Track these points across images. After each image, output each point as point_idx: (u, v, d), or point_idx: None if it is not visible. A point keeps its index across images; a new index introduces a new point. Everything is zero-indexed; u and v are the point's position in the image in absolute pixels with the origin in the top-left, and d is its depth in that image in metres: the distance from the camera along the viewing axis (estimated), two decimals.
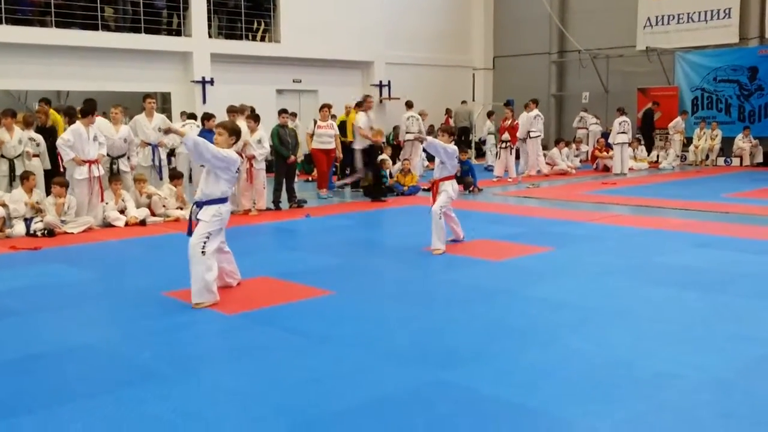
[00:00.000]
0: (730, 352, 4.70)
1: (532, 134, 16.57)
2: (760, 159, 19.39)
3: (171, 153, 12.42)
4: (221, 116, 12.57)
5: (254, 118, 11.48)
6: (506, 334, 5.17)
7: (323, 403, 3.95)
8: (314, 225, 10.38)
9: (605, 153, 18.56)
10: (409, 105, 16.91)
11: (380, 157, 15.13)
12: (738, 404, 3.90)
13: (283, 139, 11.89)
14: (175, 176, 11.29)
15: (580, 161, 19.62)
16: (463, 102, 22.14)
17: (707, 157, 19.82)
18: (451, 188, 8.33)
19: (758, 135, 19.45)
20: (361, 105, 15.96)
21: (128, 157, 10.92)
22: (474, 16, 24.52)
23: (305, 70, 19.57)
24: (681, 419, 3.75)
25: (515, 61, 24.25)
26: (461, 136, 21.01)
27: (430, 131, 18.59)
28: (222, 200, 6.08)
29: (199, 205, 6.08)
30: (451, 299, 6.17)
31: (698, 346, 4.83)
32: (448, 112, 20.48)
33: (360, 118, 13.32)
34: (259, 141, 11.38)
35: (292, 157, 11.97)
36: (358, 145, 13.36)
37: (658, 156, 19.88)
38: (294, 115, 16.91)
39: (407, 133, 16.52)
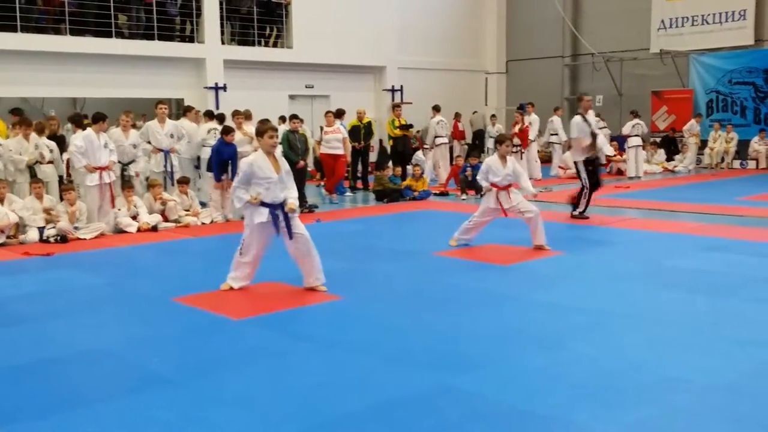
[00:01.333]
0: (739, 357, 4.66)
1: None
2: None
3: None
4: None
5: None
6: (515, 339, 5.15)
7: (330, 408, 3.95)
8: (324, 230, 10.38)
9: (619, 156, 18.47)
10: (436, 109, 16.82)
11: (390, 162, 15.16)
12: (747, 409, 3.87)
13: (292, 145, 11.92)
14: (181, 181, 11.36)
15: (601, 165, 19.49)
16: (475, 112, 22.08)
17: (722, 160, 19.67)
18: None
19: None
20: (399, 107, 15.90)
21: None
22: (486, 19, 24.47)
23: (317, 75, 19.62)
24: (690, 424, 3.72)
25: (528, 65, 24.19)
26: (475, 140, 21.00)
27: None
28: None
29: (281, 206, 6.36)
30: (461, 304, 6.16)
31: (707, 351, 4.80)
32: (457, 116, 20.43)
33: (575, 123, 10.66)
34: None
35: (302, 162, 12.01)
36: (578, 156, 10.68)
37: (674, 163, 19.70)
38: (301, 120, 16.92)
39: (437, 137, 16.49)
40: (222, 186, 11.00)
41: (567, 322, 5.54)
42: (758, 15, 19.71)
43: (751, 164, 19.39)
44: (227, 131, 11.12)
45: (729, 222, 10.30)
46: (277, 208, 6.36)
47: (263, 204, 6.36)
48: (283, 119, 16.36)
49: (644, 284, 6.68)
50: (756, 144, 19.27)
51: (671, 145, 20.43)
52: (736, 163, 19.62)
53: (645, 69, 21.66)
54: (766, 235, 9.10)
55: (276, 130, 6.58)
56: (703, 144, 19.87)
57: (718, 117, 20.26)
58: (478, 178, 8.73)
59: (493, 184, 8.45)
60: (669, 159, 19.95)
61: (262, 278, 6.92)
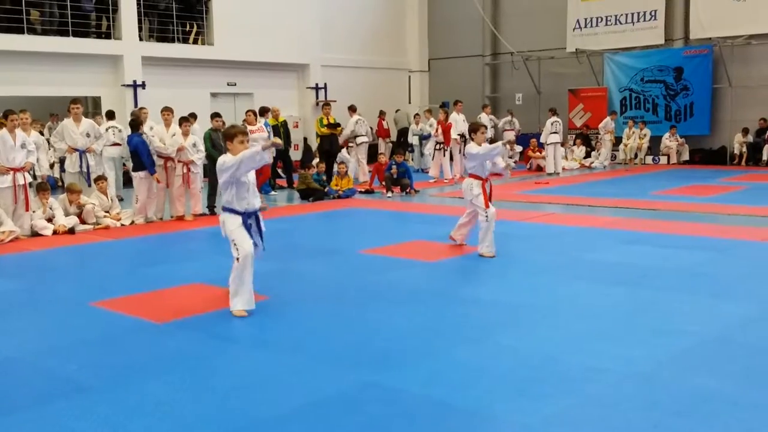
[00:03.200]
0: (653, 345, 4.84)
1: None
2: (686, 157, 20.02)
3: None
4: (156, 118, 12.48)
5: (188, 121, 11.37)
6: (439, 335, 5.21)
7: (252, 410, 3.91)
8: None
9: (538, 153, 18.90)
10: (353, 109, 16.79)
11: (314, 161, 15.12)
12: (660, 395, 4.02)
13: (216, 143, 11.73)
14: (98, 179, 11.06)
15: (514, 162, 19.92)
16: (398, 110, 22.19)
17: (636, 155, 20.36)
18: None
19: (684, 134, 20.07)
20: (329, 105, 15.71)
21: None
22: (408, 18, 24.63)
23: (240, 73, 19.36)
24: (606, 412, 3.84)
25: (450, 64, 24.46)
26: (400, 137, 21.12)
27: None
28: None
29: (254, 214, 5.98)
30: (386, 301, 6.19)
31: (623, 340, 4.97)
32: (381, 114, 20.51)
33: None
34: (194, 145, 11.27)
35: None
36: None
37: (591, 160, 20.26)
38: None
39: (357, 136, 16.47)
40: (158, 178, 10.89)
41: (490, 316, 5.65)
42: (668, 15, 20.47)
43: (663, 159, 20.13)
44: (137, 125, 11.04)
45: (644, 216, 10.67)
46: (250, 216, 5.94)
47: (235, 212, 5.87)
48: (194, 117, 15.97)
49: (564, 278, 6.86)
50: (667, 140, 20.02)
51: (585, 142, 21.07)
52: (649, 159, 20.34)
53: (562, 68, 22.22)
54: (680, 228, 9.49)
55: (246, 134, 5.99)
56: (618, 140, 20.52)
57: (632, 114, 20.97)
58: (469, 167, 8.36)
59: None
60: (586, 155, 20.56)
61: (183, 280, 6.81)
